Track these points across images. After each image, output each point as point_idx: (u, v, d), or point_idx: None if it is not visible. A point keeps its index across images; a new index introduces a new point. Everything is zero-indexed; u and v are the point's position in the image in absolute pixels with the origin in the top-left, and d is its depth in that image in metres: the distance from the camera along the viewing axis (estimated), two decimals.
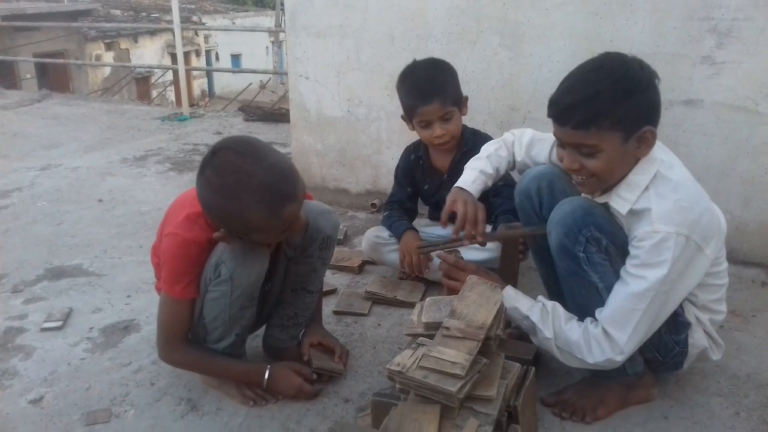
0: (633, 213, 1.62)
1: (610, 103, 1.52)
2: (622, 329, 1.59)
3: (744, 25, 2.46)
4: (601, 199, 1.69)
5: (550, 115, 1.62)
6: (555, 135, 1.66)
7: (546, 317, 1.69)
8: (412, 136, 2.60)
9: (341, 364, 1.95)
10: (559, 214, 1.69)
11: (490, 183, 2.05)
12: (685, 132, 2.64)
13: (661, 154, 1.64)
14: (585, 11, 2.67)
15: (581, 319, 1.68)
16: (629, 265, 1.60)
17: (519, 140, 2.07)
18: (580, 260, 1.65)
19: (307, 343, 1.97)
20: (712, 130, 2.60)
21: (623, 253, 1.63)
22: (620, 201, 1.63)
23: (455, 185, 2.04)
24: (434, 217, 2.73)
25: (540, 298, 1.76)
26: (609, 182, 1.65)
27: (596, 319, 1.64)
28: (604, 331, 1.61)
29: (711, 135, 2.61)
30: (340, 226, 2.81)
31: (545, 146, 2.00)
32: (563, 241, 1.67)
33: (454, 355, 1.42)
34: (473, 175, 2.02)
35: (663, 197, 1.57)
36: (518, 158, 2.06)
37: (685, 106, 2.61)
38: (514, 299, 1.74)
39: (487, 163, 2.05)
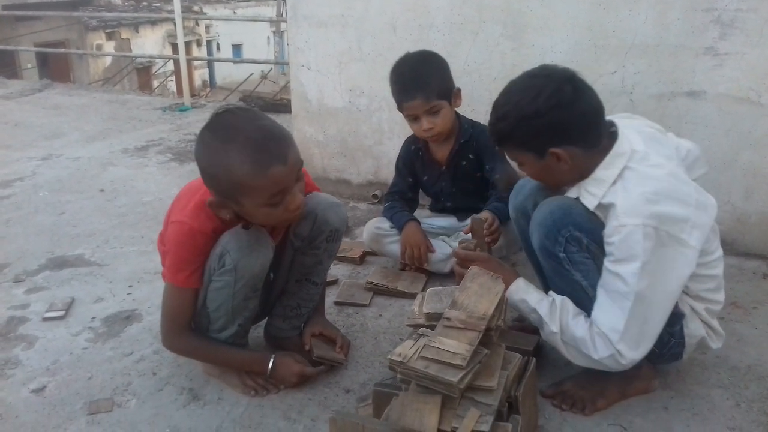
0: (602, 208, 1.62)
1: (507, 129, 1.66)
2: (613, 330, 1.59)
3: (747, 16, 2.44)
4: (571, 194, 1.70)
5: None
6: None
7: (554, 312, 1.69)
8: None
9: (342, 354, 1.96)
10: (540, 215, 1.71)
11: None
12: (688, 124, 2.63)
13: (636, 145, 1.62)
14: (588, 1, 2.65)
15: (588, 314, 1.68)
16: (606, 261, 1.60)
17: None
18: (561, 260, 1.66)
19: (309, 333, 1.98)
20: (714, 122, 2.60)
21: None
22: (588, 196, 1.64)
23: None
24: (435, 208, 2.74)
25: (551, 292, 1.77)
26: (557, 187, 1.74)
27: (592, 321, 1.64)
28: (603, 333, 1.61)
29: (713, 127, 2.60)
30: None
31: None
32: (544, 243, 1.69)
33: (455, 346, 1.42)
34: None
35: (628, 190, 1.57)
36: None
37: (688, 98, 2.61)
38: (524, 291, 1.74)
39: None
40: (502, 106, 1.66)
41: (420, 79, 2.32)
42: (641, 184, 1.56)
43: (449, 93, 2.37)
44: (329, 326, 2.04)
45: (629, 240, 1.53)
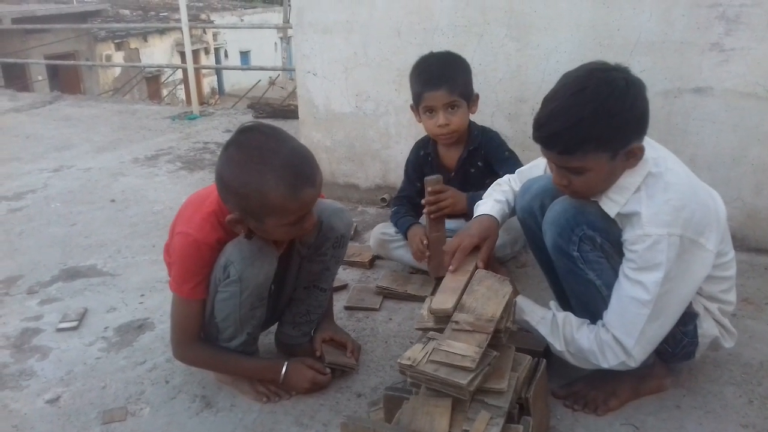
0: (623, 215, 1.60)
1: (595, 128, 1.49)
2: (629, 335, 1.59)
3: (752, 11, 2.43)
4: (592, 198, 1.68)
5: (535, 138, 1.58)
6: (543, 154, 1.63)
7: (555, 330, 1.69)
8: (420, 131, 2.59)
9: (353, 358, 1.96)
10: (553, 214, 1.69)
11: (506, 210, 1.95)
12: (695, 120, 2.62)
13: (650, 151, 1.60)
14: (592, 0, 2.65)
15: (592, 321, 1.68)
16: (626, 268, 1.59)
17: (511, 177, 2.04)
18: (575, 259, 1.65)
19: (320, 339, 1.98)
20: (722, 118, 2.58)
21: (619, 248, 1.62)
22: (609, 203, 1.61)
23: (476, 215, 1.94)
24: None
25: (552, 305, 1.77)
26: (598, 194, 1.63)
27: (604, 323, 1.64)
28: (614, 336, 1.61)
29: (721, 122, 2.59)
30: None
31: (539, 167, 1.97)
32: (557, 242, 1.68)
33: (464, 348, 1.42)
34: (489, 204, 1.94)
35: (653, 198, 1.55)
36: (516, 187, 2.01)
37: (695, 94, 2.60)
38: (523, 312, 1.74)
39: (494, 193, 2.00)
40: (584, 105, 1.48)
41: (446, 72, 2.33)
42: (665, 191, 1.55)
43: (470, 96, 2.38)
44: (339, 331, 2.05)
45: (654, 250, 1.52)
